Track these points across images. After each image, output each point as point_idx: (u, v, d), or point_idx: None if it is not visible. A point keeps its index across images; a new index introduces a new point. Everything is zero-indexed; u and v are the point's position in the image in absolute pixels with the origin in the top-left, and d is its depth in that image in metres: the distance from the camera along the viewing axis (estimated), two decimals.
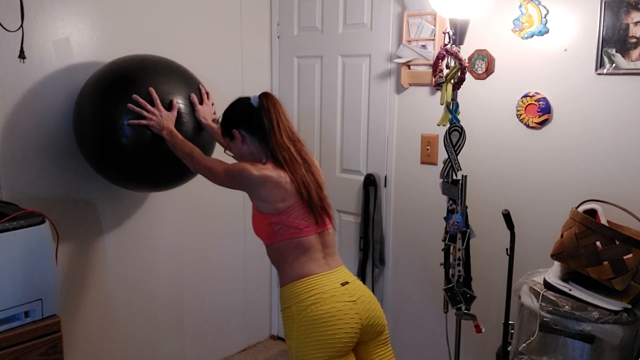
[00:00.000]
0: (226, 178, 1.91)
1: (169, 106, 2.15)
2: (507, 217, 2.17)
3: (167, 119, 2.12)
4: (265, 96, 1.92)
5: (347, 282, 1.86)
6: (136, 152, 2.15)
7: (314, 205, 1.86)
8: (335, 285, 1.83)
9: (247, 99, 1.95)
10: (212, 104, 2.35)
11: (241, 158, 1.98)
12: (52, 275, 1.90)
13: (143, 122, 2.09)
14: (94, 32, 2.44)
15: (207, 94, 2.33)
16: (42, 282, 1.87)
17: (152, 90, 2.13)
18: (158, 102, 2.13)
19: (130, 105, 2.10)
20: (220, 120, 2.01)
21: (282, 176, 1.83)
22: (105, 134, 2.15)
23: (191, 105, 2.24)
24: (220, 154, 2.12)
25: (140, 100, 2.11)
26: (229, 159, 2.00)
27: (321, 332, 1.76)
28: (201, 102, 2.28)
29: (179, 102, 2.19)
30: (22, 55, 2.08)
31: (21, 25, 2.06)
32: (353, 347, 1.84)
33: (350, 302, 1.81)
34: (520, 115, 2.44)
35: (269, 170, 1.83)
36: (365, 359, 1.91)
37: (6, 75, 2.18)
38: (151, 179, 2.30)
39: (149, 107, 2.11)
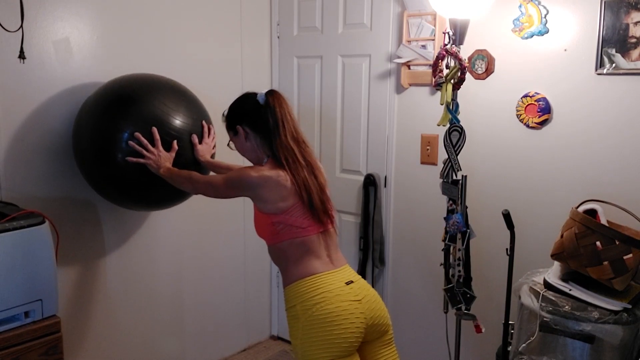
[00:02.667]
0: (226, 187, 1.91)
1: (169, 147, 2.17)
2: (507, 217, 2.17)
3: (165, 159, 2.14)
4: (271, 94, 1.90)
5: (352, 282, 1.86)
6: (134, 170, 2.15)
7: (316, 208, 1.85)
8: (340, 285, 1.82)
9: (254, 95, 1.94)
10: (213, 138, 2.36)
11: (243, 153, 1.98)
12: (52, 275, 1.90)
13: (141, 160, 2.12)
14: (94, 32, 2.44)
15: (209, 130, 2.34)
16: (42, 283, 1.87)
17: (155, 130, 2.14)
18: (159, 143, 2.14)
19: (131, 142, 2.12)
20: (224, 115, 2.01)
21: (281, 175, 1.83)
22: (104, 152, 2.16)
23: (191, 143, 2.25)
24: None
25: (142, 139, 2.12)
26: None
27: (327, 331, 1.76)
28: (201, 142, 2.28)
29: (181, 139, 2.20)
30: (22, 55, 2.08)
31: (21, 25, 2.06)
32: (358, 346, 1.83)
33: (356, 301, 1.81)
34: (520, 115, 2.44)
35: (267, 171, 1.84)
36: (369, 358, 1.90)
37: (6, 75, 2.18)
38: (149, 196, 2.30)
39: (150, 147, 2.13)
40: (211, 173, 2.30)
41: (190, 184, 2.05)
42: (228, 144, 2.03)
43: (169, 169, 2.12)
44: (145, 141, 2.13)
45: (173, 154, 2.17)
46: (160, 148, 2.14)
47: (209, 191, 2.02)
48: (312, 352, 1.77)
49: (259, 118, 1.89)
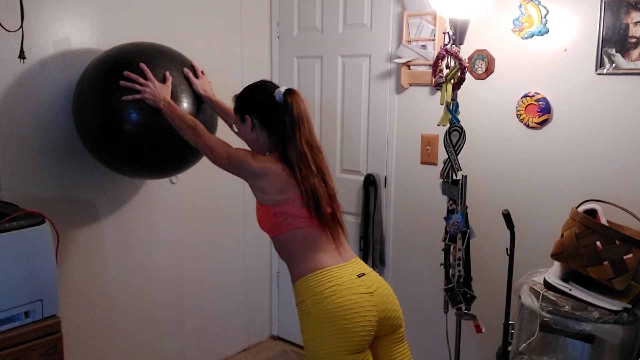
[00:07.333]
0: (227, 162, 1.87)
1: (162, 79, 2.10)
2: (507, 217, 2.17)
3: (162, 90, 2.06)
4: (290, 93, 1.84)
5: (363, 274, 1.81)
6: (137, 134, 2.09)
7: (323, 217, 1.82)
8: (351, 277, 1.78)
9: (271, 88, 1.88)
10: (206, 77, 2.30)
11: (245, 141, 1.95)
12: (52, 275, 1.90)
13: (137, 96, 2.04)
14: (93, 33, 2.44)
15: (202, 71, 2.29)
16: (42, 282, 1.87)
17: (143, 65, 2.08)
18: (150, 74, 2.07)
19: (122, 82, 2.05)
20: (236, 98, 1.95)
21: (280, 168, 1.80)
22: (106, 119, 2.10)
23: (187, 80, 2.17)
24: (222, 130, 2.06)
25: (132, 75, 2.05)
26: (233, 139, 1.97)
27: (339, 325, 1.71)
28: (196, 77, 2.23)
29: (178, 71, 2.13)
30: (22, 55, 2.08)
31: (21, 25, 2.06)
32: (371, 341, 1.78)
33: (367, 294, 1.76)
34: (520, 115, 2.44)
35: (269, 162, 1.81)
36: (382, 356, 1.86)
37: (6, 75, 2.18)
38: (153, 162, 2.23)
39: (141, 80, 2.05)
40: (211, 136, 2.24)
41: (193, 134, 1.94)
42: (232, 127, 1.98)
43: (170, 103, 2.02)
44: (135, 76, 2.05)
45: (169, 84, 2.09)
46: (153, 79, 2.06)
47: (207, 153, 1.93)
48: (324, 347, 1.72)
49: (271, 115, 1.85)
